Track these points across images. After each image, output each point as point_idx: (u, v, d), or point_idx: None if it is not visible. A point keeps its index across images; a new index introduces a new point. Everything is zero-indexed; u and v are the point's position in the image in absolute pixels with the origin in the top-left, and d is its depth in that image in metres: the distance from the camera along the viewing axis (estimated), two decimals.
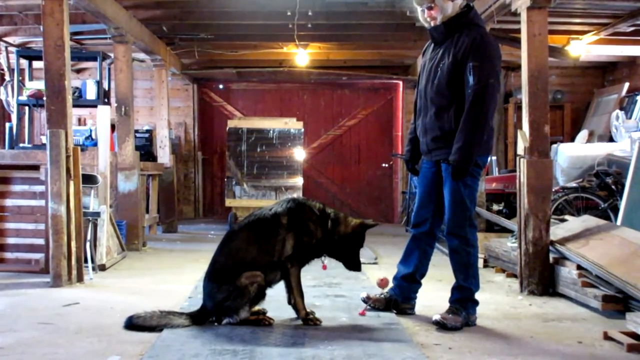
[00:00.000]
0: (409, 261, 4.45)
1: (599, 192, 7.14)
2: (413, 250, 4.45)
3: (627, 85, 10.17)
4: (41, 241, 5.97)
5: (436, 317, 4.05)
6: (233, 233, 4.19)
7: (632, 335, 3.72)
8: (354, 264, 4.20)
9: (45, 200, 5.51)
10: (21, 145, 7.85)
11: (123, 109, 7.77)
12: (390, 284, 4.48)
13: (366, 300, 4.49)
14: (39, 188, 6.03)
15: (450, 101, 4.12)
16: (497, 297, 5.14)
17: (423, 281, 4.52)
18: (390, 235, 9.39)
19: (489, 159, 9.80)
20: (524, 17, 5.47)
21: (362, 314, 4.31)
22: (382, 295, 4.49)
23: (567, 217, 6.56)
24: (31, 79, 8.46)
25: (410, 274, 4.42)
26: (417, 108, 4.41)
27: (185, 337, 3.69)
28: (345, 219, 4.15)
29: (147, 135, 10.09)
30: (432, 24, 4.22)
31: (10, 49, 9.34)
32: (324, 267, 4.26)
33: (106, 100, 8.19)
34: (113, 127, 7.92)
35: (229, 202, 9.95)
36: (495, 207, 7.79)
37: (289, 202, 4.14)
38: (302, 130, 10.16)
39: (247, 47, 10.44)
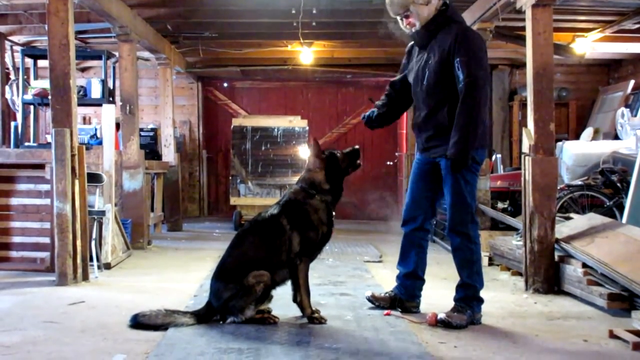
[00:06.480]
0: (407, 260, 4.47)
1: (604, 190, 7.11)
2: (408, 248, 4.46)
3: (632, 82, 10.12)
4: (46, 240, 5.99)
5: (441, 315, 4.06)
6: (240, 237, 4.22)
7: (637, 333, 3.71)
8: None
9: (51, 199, 5.54)
10: (26, 144, 7.87)
11: (128, 108, 7.79)
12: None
13: (371, 298, 4.50)
14: (44, 187, 6.05)
15: (442, 100, 4.15)
16: (502, 295, 5.14)
17: (427, 279, 4.52)
18: (394, 233, 9.36)
19: (495, 157, 9.76)
20: (528, 14, 5.46)
21: (388, 314, 4.30)
22: (387, 294, 4.50)
23: (572, 215, 6.54)
24: (36, 77, 8.47)
25: (412, 272, 4.43)
26: (413, 105, 4.48)
27: (191, 335, 3.70)
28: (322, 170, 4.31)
29: (151, 133, 10.07)
30: (413, 30, 4.27)
31: (15, 47, 9.35)
32: None
33: (111, 98, 8.19)
34: (118, 125, 7.93)
35: (233, 201, 9.97)
36: (500, 205, 7.78)
37: (283, 202, 4.17)
38: (307, 128, 10.17)
39: (252, 46, 10.45)
